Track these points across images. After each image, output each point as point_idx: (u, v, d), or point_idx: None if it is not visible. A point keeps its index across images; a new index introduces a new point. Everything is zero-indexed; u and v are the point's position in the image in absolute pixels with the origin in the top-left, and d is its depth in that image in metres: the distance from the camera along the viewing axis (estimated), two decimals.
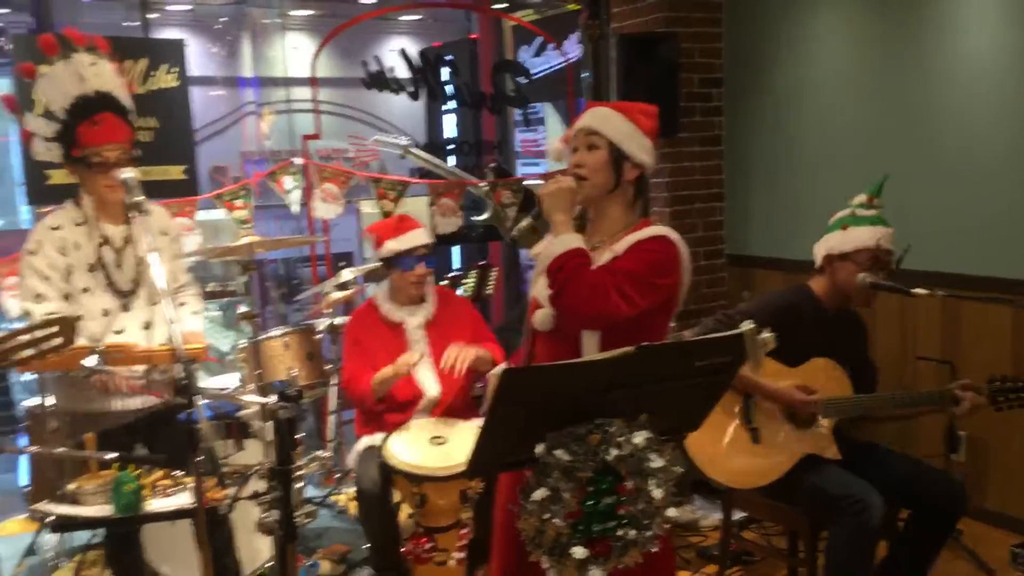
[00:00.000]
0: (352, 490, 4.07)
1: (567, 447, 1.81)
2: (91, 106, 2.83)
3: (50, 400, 3.10)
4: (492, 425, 1.79)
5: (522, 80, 5.22)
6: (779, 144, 4.80)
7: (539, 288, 2.27)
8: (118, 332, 2.91)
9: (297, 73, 8.53)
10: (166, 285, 2.46)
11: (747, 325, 1.90)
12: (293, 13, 8.64)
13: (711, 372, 1.92)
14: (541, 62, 6.31)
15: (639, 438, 1.84)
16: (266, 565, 3.53)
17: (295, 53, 8.75)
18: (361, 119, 7.46)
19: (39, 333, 2.12)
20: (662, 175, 4.93)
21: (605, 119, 2.30)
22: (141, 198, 2.61)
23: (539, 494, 1.81)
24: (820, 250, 3.11)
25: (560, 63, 5.88)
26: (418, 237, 3.48)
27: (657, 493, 1.85)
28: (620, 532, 1.83)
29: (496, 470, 1.92)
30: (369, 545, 3.48)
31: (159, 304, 2.95)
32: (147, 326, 2.97)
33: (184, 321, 3.07)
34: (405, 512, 3.39)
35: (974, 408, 2.89)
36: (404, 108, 7.30)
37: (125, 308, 2.95)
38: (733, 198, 5.11)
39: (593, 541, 1.82)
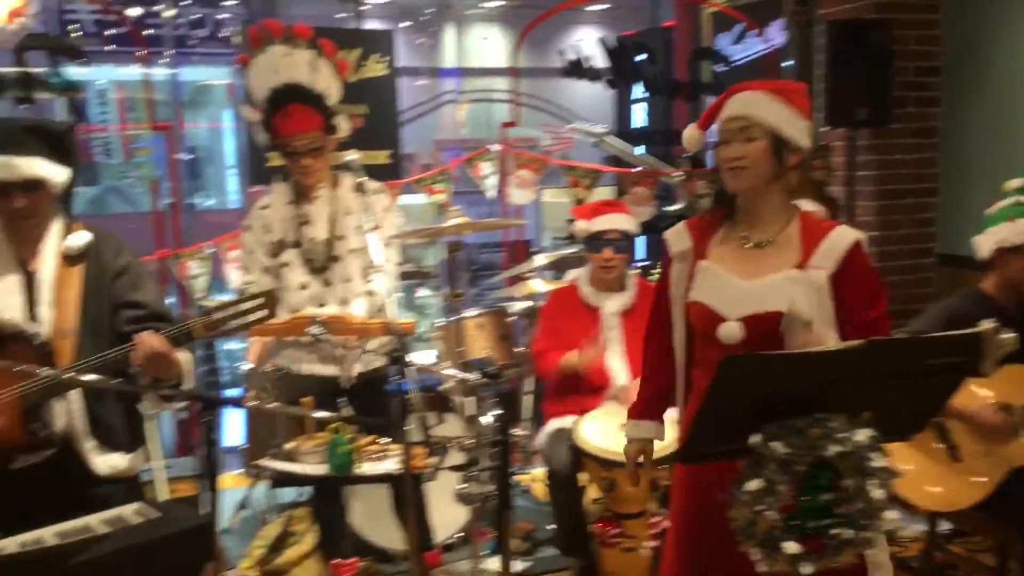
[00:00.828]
0: (537, 470, 4.14)
1: (785, 439, 1.76)
2: (281, 98, 3.02)
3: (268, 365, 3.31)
4: (708, 412, 1.78)
5: (721, 68, 5.10)
6: (1002, 137, 4.47)
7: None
8: (320, 306, 3.08)
9: (489, 63, 8.71)
10: (381, 261, 2.57)
11: (987, 323, 1.79)
12: (490, 4, 8.82)
13: (942, 372, 1.83)
14: (741, 49, 6.15)
15: (861, 436, 1.77)
16: (454, 536, 3.65)
17: (486, 43, 8.94)
18: (549, 109, 7.51)
19: (244, 306, 2.27)
20: (869, 168, 4.70)
21: (759, 105, 2.12)
22: (364, 178, 2.74)
23: (753, 485, 1.77)
24: (986, 244, 2.88)
25: (762, 50, 5.71)
26: (611, 221, 3.48)
27: (877, 493, 1.78)
28: (835, 531, 1.78)
29: (708, 458, 1.89)
30: (555, 526, 3.53)
31: (352, 281, 3.12)
32: (343, 301, 3.13)
33: (355, 302, 3.16)
34: (590, 496, 3.41)
35: None
36: (589, 97, 7.31)
37: (326, 283, 3.11)
38: (948, 194, 4.81)
39: (807, 537, 1.77)
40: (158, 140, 6.44)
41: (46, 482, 2.29)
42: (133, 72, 5.90)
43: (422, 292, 6.37)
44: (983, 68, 4.55)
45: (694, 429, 1.83)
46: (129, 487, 2.42)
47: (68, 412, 2.32)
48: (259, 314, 2.27)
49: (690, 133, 2.34)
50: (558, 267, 4.75)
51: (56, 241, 2.37)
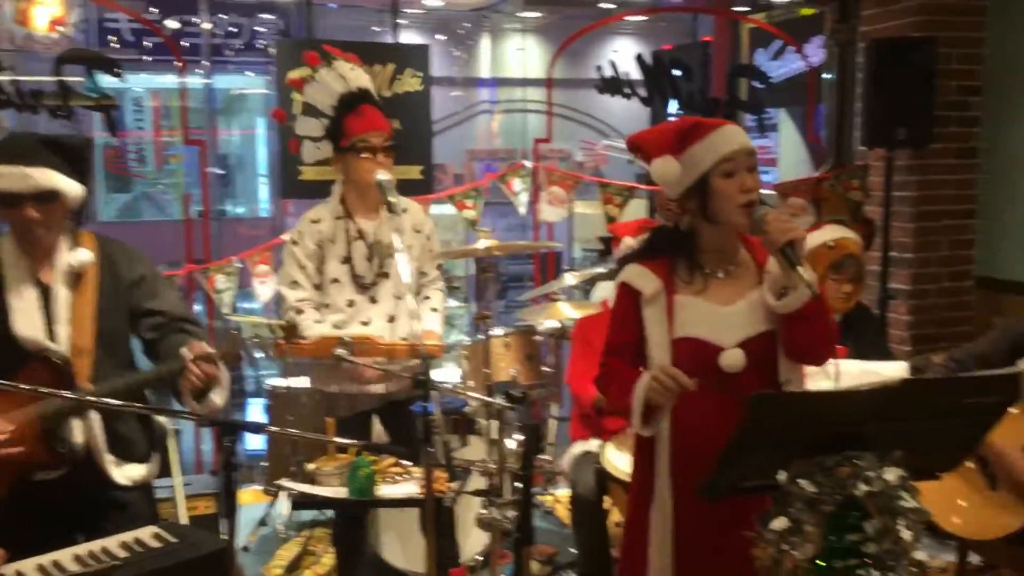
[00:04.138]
0: (560, 492, 4.09)
1: (812, 477, 1.71)
2: (355, 100, 3.08)
3: (297, 382, 3.32)
4: (735, 448, 1.73)
5: (759, 84, 5.03)
6: None
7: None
8: (365, 323, 3.07)
9: (525, 74, 8.69)
10: (411, 282, 2.56)
11: None
12: (527, 15, 8.81)
13: (979, 413, 1.76)
14: (779, 65, 6.08)
15: (891, 475, 1.72)
16: (476, 556, 3.61)
17: (522, 55, 8.93)
18: (583, 121, 7.48)
19: (263, 335, 2.28)
20: (907, 188, 4.61)
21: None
22: (396, 199, 2.73)
23: (779, 523, 1.73)
24: None
25: (800, 67, 5.64)
26: None
27: (906, 534, 1.73)
28: (862, 571, 1.72)
29: (734, 494, 1.84)
30: (578, 550, 3.48)
31: (403, 299, 3.12)
32: (391, 319, 3.12)
33: (424, 318, 3.21)
34: (613, 520, 3.36)
35: None
36: (624, 111, 7.25)
37: (372, 300, 3.11)
38: (987, 216, 4.70)
39: None
40: (191, 149, 6.50)
41: (64, 491, 2.32)
42: (169, 80, 5.96)
43: (450, 303, 6.36)
44: None
45: (720, 463, 1.78)
46: (144, 492, 2.48)
47: (87, 428, 2.34)
48: (280, 342, 2.29)
49: (670, 167, 2.15)
50: (588, 283, 4.70)
51: (67, 256, 2.38)
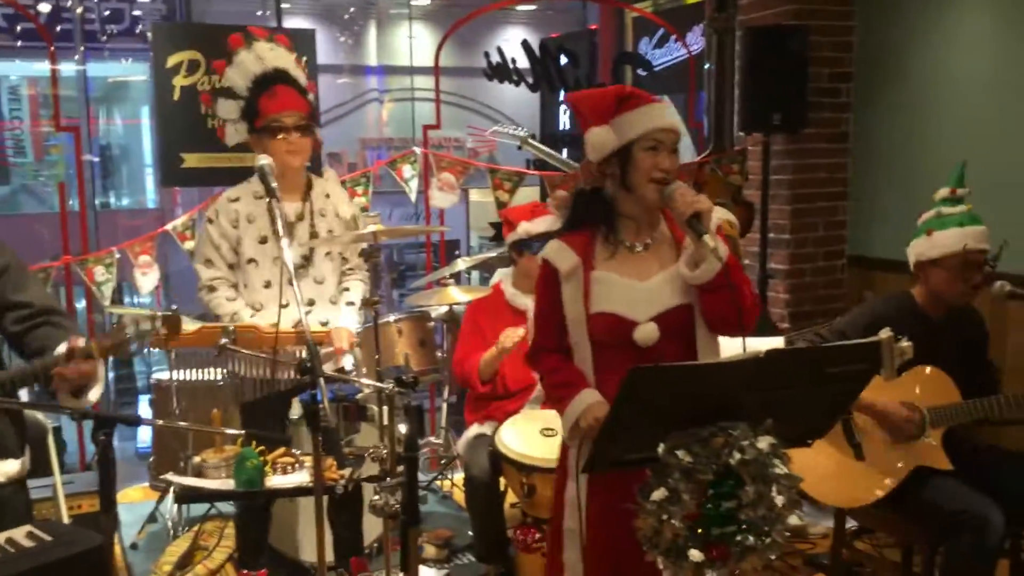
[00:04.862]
0: (458, 476, 4.12)
1: (689, 448, 1.78)
2: (269, 80, 3.08)
3: (183, 375, 3.24)
4: (614, 422, 1.78)
5: (643, 72, 5.15)
6: (912, 141, 4.60)
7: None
8: (284, 307, 3.03)
9: (416, 62, 8.65)
10: (293, 269, 2.53)
11: (885, 333, 1.83)
12: (415, 2, 8.75)
13: (843, 380, 1.86)
14: (662, 54, 6.22)
15: (763, 443, 1.80)
16: (374, 544, 3.60)
17: (414, 43, 8.88)
18: (475, 108, 7.50)
19: (145, 327, 2.23)
20: (784, 172, 4.79)
21: (677, 117, 2.24)
22: (275, 184, 2.69)
23: (658, 494, 1.79)
24: (911, 256, 2.96)
25: (682, 55, 5.78)
26: (551, 223, 3.48)
27: (779, 500, 1.81)
28: (739, 537, 1.80)
29: (615, 467, 1.89)
30: (474, 533, 3.51)
31: (324, 283, 3.14)
32: (311, 303, 3.09)
33: (341, 314, 3.21)
34: (509, 501, 3.40)
35: None
36: (516, 98, 7.31)
37: (290, 283, 3.07)
38: (858, 197, 4.93)
39: (711, 545, 1.78)
40: (70, 139, 6.25)
41: None
42: (45, 68, 5.71)
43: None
44: (893, 75, 4.67)
45: (600, 438, 1.83)
46: (17, 490, 2.41)
47: None
48: (161, 334, 2.23)
49: (605, 136, 2.19)
50: (483, 269, 4.73)
51: None
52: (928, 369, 2.89)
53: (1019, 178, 4.07)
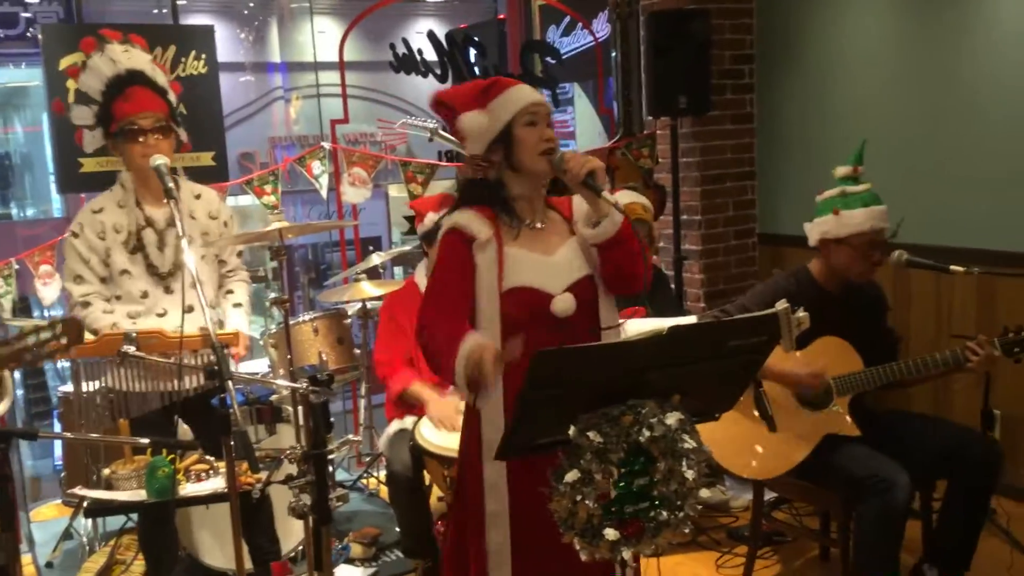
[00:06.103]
0: (383, 473, 4.09)
1: (599, 428, 1.79)
2: (123, 82, 2.97)
3: (89, 385, 3.14)
4: (524, 407, 1.78)
5: (551, 60, 5.16)
6: (812, 120, 4.73)
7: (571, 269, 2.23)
8: (160, 315, 2.95)
9: (324, 57, 8.53)
10: (196, 271, 2.47)
11: (781, 304, 1.87)
12: None
13: (745, 352, 1.89)
14: (570, 41, 6.25)
15: (671, 419, 1.82)
16: (298, 548, 3.55)
17: (322, 37, 8.75)
18: (388, 102, 7.43)
19: (44, 335, 2.14)
20: (692, 154, 4.87)
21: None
22: (172, 185, 2.62)
23: (571, 476, 1.79)
24: (814, 233, 3.04)
25: (589, 42, 5.82)
26: None
27: (689, 474, 1.83)
28: (652, 513, 1.82)
29: (527, 453, 1.89)
30: (400, 528, 3.49)
31: (200, 287, 3.02)
32: (190, 309, 3.00)
33: (229, 317, 3.14)
34: (435, 495, 3.39)
35: (988, 360, 2.84)
36: (429, 91, 7.27)
37: (167, 291, 2.99)
38: (765, 176, 5.04)
39: (625, 522, 1.80)
40: None
41: None
42: None
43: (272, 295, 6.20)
44: (794, 54, 4.78)
45: (511, 424, 1.82)
46: None
47: None
48: (62, 342, 2.14)
49: (477, 119, 2.21)
50: (406, 263, 4.70)
51: None
52: (831, 340, 2.97)
53: (912, 153, 4.21)
